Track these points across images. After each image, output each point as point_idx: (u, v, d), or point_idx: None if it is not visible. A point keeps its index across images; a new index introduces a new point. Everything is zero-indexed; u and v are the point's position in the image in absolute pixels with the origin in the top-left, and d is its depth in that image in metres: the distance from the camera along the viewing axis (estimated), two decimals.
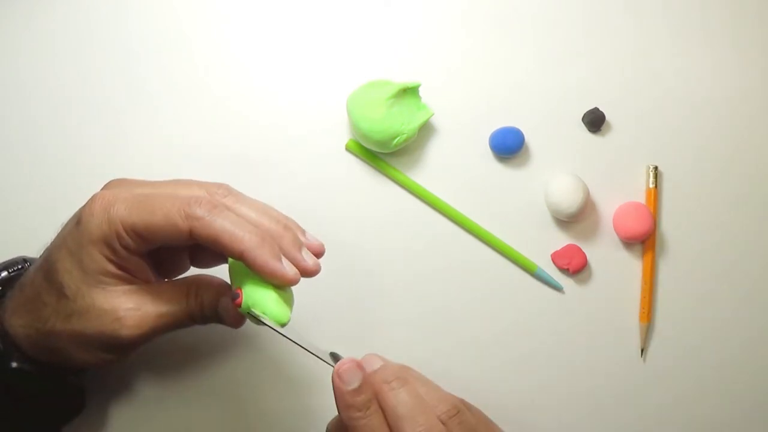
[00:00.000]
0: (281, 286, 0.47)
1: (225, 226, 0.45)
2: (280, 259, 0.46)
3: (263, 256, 0.45)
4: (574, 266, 0.61)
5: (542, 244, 0.62)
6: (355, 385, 0.46)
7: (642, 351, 0.61)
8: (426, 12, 0.64)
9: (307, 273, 0.47)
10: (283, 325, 0.46)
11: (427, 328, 0.61)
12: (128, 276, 0.48)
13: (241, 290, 0.46)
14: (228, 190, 0.49)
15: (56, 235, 0.49)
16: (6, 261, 0.53)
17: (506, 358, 0.61)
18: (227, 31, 0.64)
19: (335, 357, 0.48)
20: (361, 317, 0.61)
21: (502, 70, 0.64)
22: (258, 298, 0.46)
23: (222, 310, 0.49)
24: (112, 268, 0.47)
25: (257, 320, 0.46)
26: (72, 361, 0.48)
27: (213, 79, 0.63)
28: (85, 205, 0.47)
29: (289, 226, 0.48)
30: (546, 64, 0.64)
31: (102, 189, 0.50)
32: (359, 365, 0.47)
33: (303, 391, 0.59)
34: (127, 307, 0.47)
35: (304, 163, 0.62)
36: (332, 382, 0.46)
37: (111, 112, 0.62)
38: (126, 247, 0.46)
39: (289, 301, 0.48)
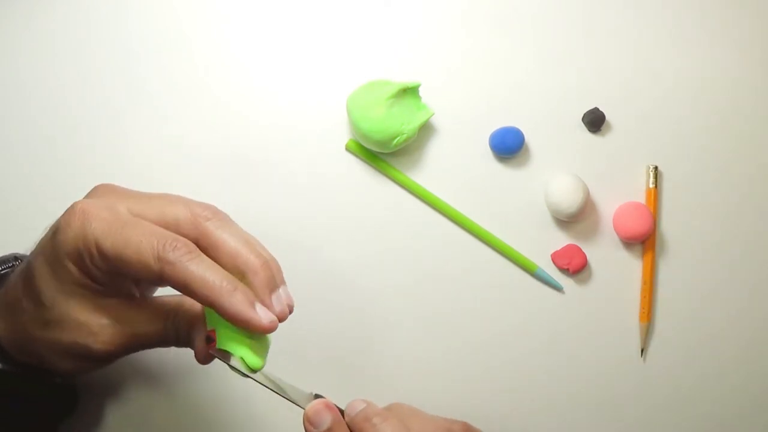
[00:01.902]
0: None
1: (195, 273, 0.43)
2: (254, 306, 0.44)
3: (236, 305, 0.43)
4: (574, 266, 0.61)
5: (542, 244, 0.62)
6: (324, 426, 0.45)
7: (642, 351, 0.61)
8: (426, 12, 0.64)
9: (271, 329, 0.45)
10: (255, 371, 0.45)
11: (426, 328, 0.61)
12: (105, 290, 0.46)
13: (215, 333, 0.45)
14: (213, 213, 0.47)
15: (39, 239, 0.48)
16: None
17: (506, 357, 0.61)
18: (227, 31, 0.64)
19: (318, 398, 0.47)
20: (361, 317, 0.61)
21: (502, 70, 0.64)
22: (231, 342, 0.45)
23: (193, 344, 0.47)
24: (87, 281, 0.46)
25: (228, 365, 0.45)
26: (52, 367, 0.48)
27: (213, 79, 0.63)
28: (64, 214, 0.46)
29: (269, 263, 0.46)
30: (546, 64, 0.64)
31: (87, 195, 0.49)
32: (328, 406, 0.46)
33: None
34: (102, 323, 0.46)
35: (304, 163, 0.62)
36: (303, 427, 0.46)
37: (111, 112, 0.62)
38: (97, 267, 0.45)
39: (264, 344, 0.46)
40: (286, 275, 0.60)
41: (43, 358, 0.48)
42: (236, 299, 0.43)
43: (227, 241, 0.46)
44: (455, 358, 0.61)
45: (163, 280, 0.44)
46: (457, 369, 0.61)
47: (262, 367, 0.45)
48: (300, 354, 0.60)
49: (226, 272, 0.44)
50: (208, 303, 0.44)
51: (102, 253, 0.44)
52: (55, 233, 0.46)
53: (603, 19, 0.64)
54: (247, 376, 0.45)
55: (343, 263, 0.61)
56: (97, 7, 0.64)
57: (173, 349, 0.48)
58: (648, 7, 0.64)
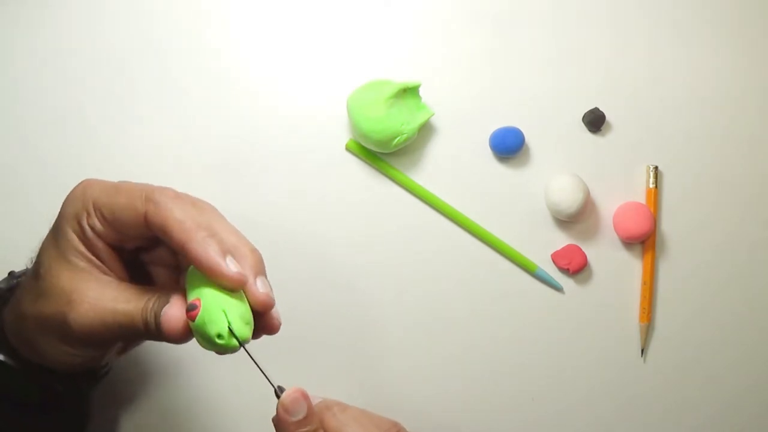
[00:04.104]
0: (233, 290, 0.43)
1: (176, 214, 0.44)
2: (224, 257, 0.43)
3: (206, 249, 0.43)
4: (574, 266, 0.61)
5: (542, 244, 0.62)
6: (300, 415, 0.45)
7: (642, 351, 0.61)
8: (426, 12, 0.64)
9: (256, 300, 0.44)
10: (242, 342, 0.43)
11: (426, 328, 0.61)
12: (101, 265, 0.46)
13: (199, 300, 0.43)
14: (209, 206, 0.47)
15: None
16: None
17: (506, 357, 0.61)
18: (227, 32, 0.64)
19: (281, 390, 0.46)
20: (360, 317, 0.61)
21: (502, 70, 0.64)
22: (217, 308, 0.42)
23: (164, 320, 0.44)
24: (82, 248, 0.46)
25: (206, 341, 0.42)
26: (42, 354, 0.47)
27: (213, 80, 0.63)
28: (72, 190, 0.48)
29: (257, 254, 0.46)
30: (546, 64, 0.64)
31: None
32: (304, 395, 0.45)
33: None
34: (84, 293, 0.45)
35: (304, 163, 0.62)
36: (277, 413, 0.45)
37: (111, 113, 0.63)
38: (93, 227, 0.45)
39: (247, 317, 0.44)
40: (286, 275, 0.61)
41: (30, 342, 0.47)
42: (207, 245, 0.43)
43: (218, 228, 0.46)
44: (455, 357, 0.61)
45: (147, 224, 0.44)
46: (456, 369, 0.61)
47: (248, 340, 0.43)
48: (299, 353, 0.60)
49: (207, 224, 0.44)
50: (181, 245, 0.43)
51: (97, 209, 0.45)
52: (61, 207, 0.47)
53: (603, 20, 0.64)
54: (232, 350, 0.43)
55: (342, 263, 0.61)
56: (97, 7, 0.64)
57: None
58: (648, 7, 0.64)
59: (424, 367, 0.61)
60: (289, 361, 0.60)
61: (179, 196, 0.45)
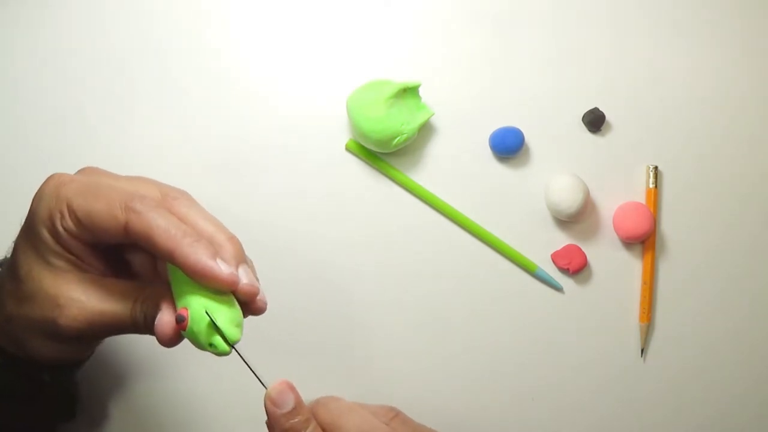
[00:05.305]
0: (220, 292, 0.43)
1: (159, 222, 0.43)
2: (215, 259, 0.43)
3: (195, 254, 0.42)
4: (574, 266, 0.61)
5: (542, 244, 0.62)
6: (289, 407, 0.44)
7: (642, 351, 0.61)
8: (426, 12, 0.64)
9: (242, 291, 0.44)
10: (232, 344, 0.43)
11: (426, 328, 0.61)
12: (80, 262, 0.46)
13: (186, 311, 0.43)
14: (182, 194, 0.47)
15: None
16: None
17: (506, 357, 0.61)
18: (227, 32, 0.64)
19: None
20: (360, 317, 0.61)
21: (502, 70, 0.64)
22: (204, 319, 0.42)
23: (157, 330, 0.44)
24: (59, 248, 0.45)
25: (198, 347, 0.43)
26: (31, 352, 0.47)
27: (213, 80, 0.63)
28: (41, 185, 0.46)
29: (236, 241, 0.46)
30: (546, 64, 0.64)
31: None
32: (291, 387, 0.45)
33: None
34: (70, 296, 0.45)
35: (304, 163, 0.62)
36: (264, 407, 0.45)
37: (112, 115, 0.63)
38: (66, 229, 0.45)
39: (237, 319, 0.44)
40: (286, 275, 0.61)
41: (19, 341, 0.47)
42: (196, 249, 0.43)
43: (195, 218, 0.46)
44: (455, 357, 0.61)
45: (127, 232, 0.43)
46: (456, 369, 0.61)
47: (239, 340, 0.44)
48: (299, 353, 0.60)
49: (190, 229, 0.44)
50: (168, 254, 0.43)
51: (72, 211, 0.44)
52: (32, 203, 0.46)
53: (603, 20, 0.64)
54: (225, 354, 0.43)
55: (342, 262, 0.61)
56: (97, 7, 0.64)
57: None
58: (648, 7, 0.64)
59: (424, 367, 0.61)
60: (288, 362, 0.60)
61: (157, 204, 0.45)
